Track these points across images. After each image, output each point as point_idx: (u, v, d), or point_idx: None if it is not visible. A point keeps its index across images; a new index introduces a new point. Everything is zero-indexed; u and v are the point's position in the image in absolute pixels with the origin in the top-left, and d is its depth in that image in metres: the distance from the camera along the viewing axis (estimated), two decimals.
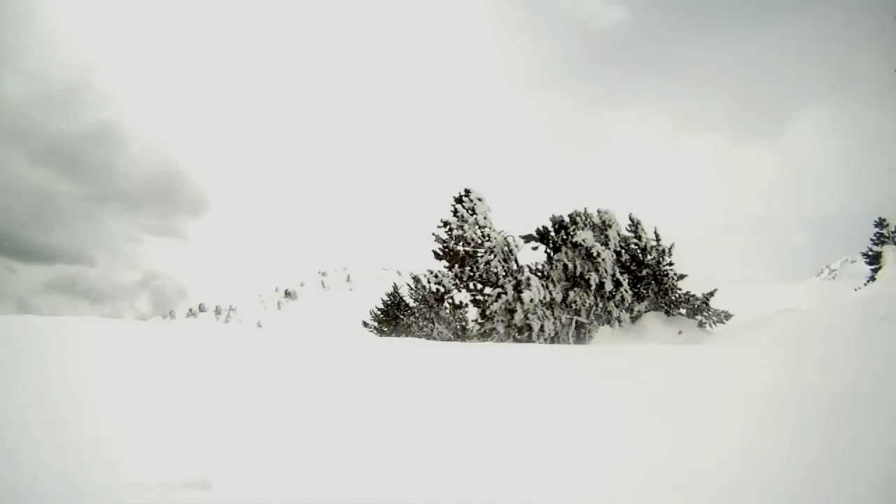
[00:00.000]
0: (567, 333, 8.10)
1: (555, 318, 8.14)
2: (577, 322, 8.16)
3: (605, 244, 8.46)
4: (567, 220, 8.61)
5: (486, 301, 8.34)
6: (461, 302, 9.57)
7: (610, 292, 8.14)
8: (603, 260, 8.10)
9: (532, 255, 9.06)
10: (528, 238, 8.84)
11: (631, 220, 9.12)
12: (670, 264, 8.71)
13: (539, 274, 8.54)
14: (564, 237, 8.45)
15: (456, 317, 9.53)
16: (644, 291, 8.55)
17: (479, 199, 9.29)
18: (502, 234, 8.90)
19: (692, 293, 8.69)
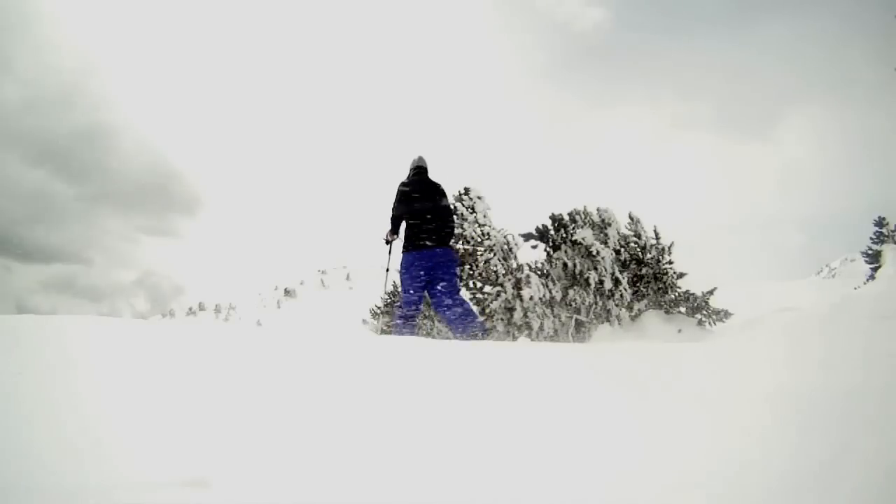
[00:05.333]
0: (567, 332, 8.10)
1: (554, 317, 8.14)
2: (576, 320, 8.16)
3: (605, 242, 8.45)
4: (567, 218, 8.60)
5: (486, 300, 8.34)
6: None
7: (609, 290, 8.14)
8: (602, 258, 8.10)
9: (532, 254, 9.04)
10: (527, 236, 8.83)
11: (630, 218, 9.11)
12: (670, 263, 8.71)
13: (539, 272, 8.54)
14: (564, 235, 8.45)
15: None
16: (643, 290, 8.55)
17: (479, 198, 9.27)
18: (502, 232, 8.89)
19: (691, 292, 8.69)
